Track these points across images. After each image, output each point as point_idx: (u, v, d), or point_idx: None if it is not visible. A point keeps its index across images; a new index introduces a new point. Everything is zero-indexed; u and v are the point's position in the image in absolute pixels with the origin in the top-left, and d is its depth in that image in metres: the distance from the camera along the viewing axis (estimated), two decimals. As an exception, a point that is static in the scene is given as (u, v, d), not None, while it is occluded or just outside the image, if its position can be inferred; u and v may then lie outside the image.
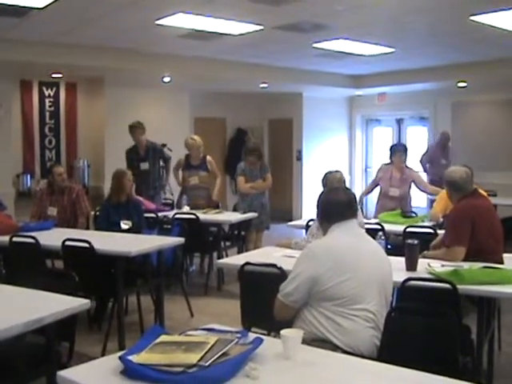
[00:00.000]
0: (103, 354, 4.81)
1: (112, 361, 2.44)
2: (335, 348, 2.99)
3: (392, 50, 9.15)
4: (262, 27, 7.48)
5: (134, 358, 2.36)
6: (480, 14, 6.74)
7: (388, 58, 9.86)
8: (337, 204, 3.36)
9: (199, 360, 2.29)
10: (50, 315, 3.09)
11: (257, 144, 8.49)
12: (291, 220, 9.62)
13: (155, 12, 6.73)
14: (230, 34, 7.85)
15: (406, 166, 7.87)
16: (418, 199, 11.19)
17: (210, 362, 2.29)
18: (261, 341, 2.56)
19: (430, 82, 11.65)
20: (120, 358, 2.39)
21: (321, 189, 4.59)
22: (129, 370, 2.31)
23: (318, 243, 3.37)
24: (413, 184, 7.84)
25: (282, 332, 2.58)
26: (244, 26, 7.40)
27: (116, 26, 7.47)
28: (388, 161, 7.99)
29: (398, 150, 7.87)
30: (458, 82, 11.12)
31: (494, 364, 4.19)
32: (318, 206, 3.53)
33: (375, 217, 7.61)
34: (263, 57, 10.02)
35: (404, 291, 3.77)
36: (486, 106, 12.03)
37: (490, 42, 8.44)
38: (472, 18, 6.88)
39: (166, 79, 10.41)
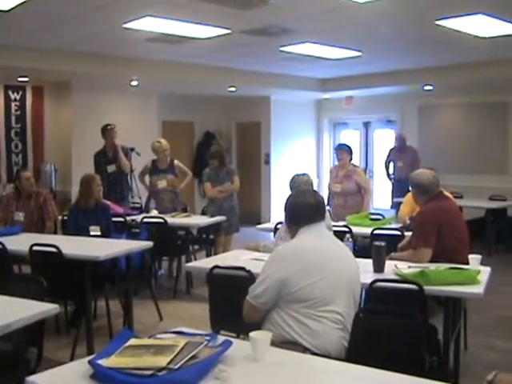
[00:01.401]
0: (72, 359, 4.77)
1: (81, 365, 2.43)
2: (304, 350, 3.00)
3: (359, 53, 9.21)
4: (229, 31, 7.48)
5: (104, 362, 2.36)
6: (444, 18, 6.83)
7: (355, 62, 9.93)
8: (305, 207, 3.38)
9: (169, 363, 2.30)
10: (17, 321, 3.05)
11: (218, 148, 8.41)
12: (260, 223, 9.60)
13: (122, 15, 6.69)
14: (197, 38, 7.83)
15: (353, 165, 7.90)
16: (384, 202, 11.33)
17: (180, 364, 2.30)
18: (230, 343, 2.58)
19: (396, 85, 11.74)
20: (89, 362, 2.38)
21: (289, 192, 4.62)
22: (98, 374, 2.30)
23: (287, 246, 3.39)
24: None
25: (251, 334, 2.59)
26: (212, 29, 7.40)
27: (83, 30, 7.41)
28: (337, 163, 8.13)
29: (340, 147, 7.99)
30: (425, 85, 11.25)
31: (460, 363, 4.27)
32: (285, 209, 3.54)
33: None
34: (231, 60, 10.03)
35: (371, 292, 3.81)
36: (452, 110, 12.19)
37: (456, 46, 8.56)
38: (437, 22, 6.96)
39: (134, 83, 10.37)
